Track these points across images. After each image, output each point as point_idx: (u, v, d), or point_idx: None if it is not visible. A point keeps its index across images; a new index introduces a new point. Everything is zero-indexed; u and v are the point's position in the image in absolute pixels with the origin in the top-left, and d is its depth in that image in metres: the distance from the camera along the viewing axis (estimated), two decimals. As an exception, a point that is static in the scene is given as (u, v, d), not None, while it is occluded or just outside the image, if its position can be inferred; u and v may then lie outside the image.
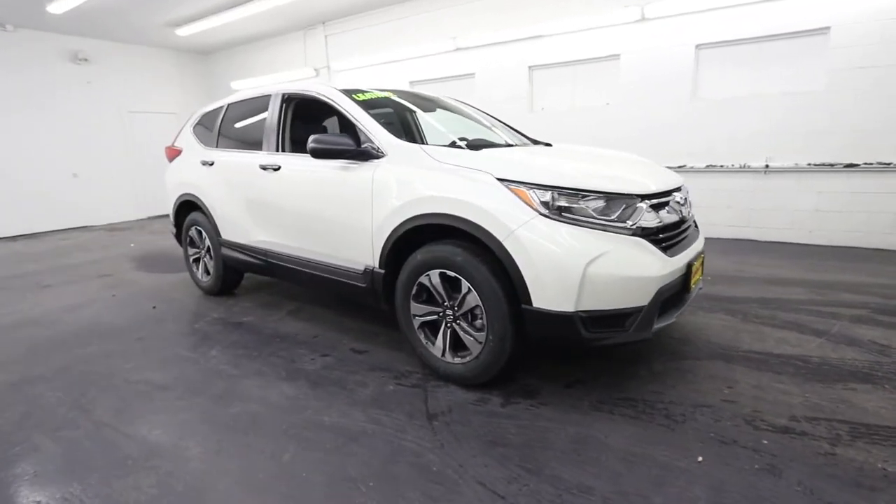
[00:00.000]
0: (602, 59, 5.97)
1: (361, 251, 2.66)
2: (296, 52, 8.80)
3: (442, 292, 2.33)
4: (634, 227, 2.07)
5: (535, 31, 6.20)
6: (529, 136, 3.59)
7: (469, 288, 2.20)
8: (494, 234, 2.07)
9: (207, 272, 4.07)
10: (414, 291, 2.43)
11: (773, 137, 5.11)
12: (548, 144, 3.35)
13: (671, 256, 2.16)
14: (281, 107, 3.27)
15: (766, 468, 1.73)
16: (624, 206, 2.09)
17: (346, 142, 2.58)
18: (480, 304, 2.18)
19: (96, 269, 5.33)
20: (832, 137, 4.84)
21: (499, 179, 2.13)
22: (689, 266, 2.29)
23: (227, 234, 3.69)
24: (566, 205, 2.05)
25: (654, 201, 2.21)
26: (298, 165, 3.04)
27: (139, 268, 5.31)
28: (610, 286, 1.98)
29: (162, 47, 9.54)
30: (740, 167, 5.32)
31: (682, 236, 2.40)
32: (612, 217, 2.06)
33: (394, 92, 3.33)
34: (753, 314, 3.19)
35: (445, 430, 2.03)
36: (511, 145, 3.10)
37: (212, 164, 3.74)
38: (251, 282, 4.43)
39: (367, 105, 2.89)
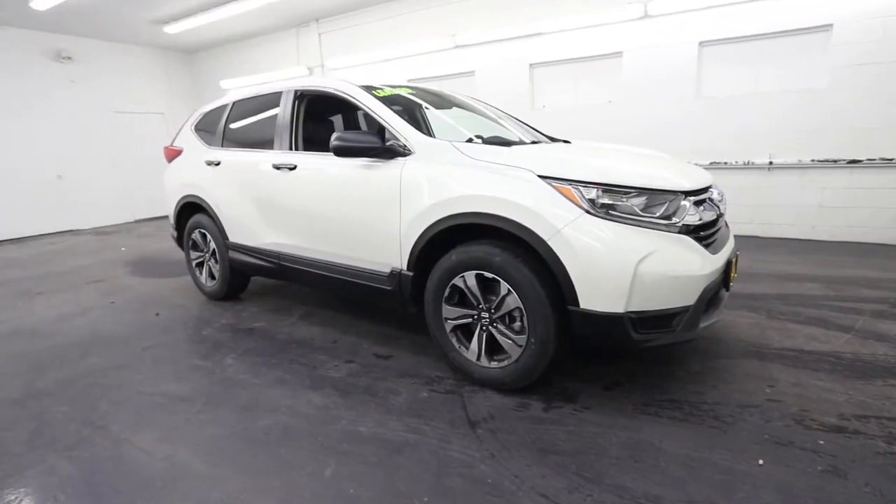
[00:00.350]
0: (604, 56, 5.94)
1: (387, 253, 2.56)
2: (288, 51, 8.61)
3: (477, 294, 2.24)
4: (679, 224, 2.02)
5: (535, 28, 6.15)
6: (545, 133, 3.52)
7: (509, 289, 2.12)
8: (539, 233, 1.99)
9: (212, 276, 3.90)
10: (446, 294, 2.34)
11: (776, 134, 5.14)
12: (566, 142, 3.29)
13: (713, 254, 2.11)
14: (294, 104, 3.14)
15: (830, 470, 1.69)
16: (668, 203, 2.03)
17: (372, 139, 2.47)
18: (521, 305, 2.10)
19: (88, 274, 5.10)
20: (835, 134, 4.89)
21: (540, 177, 2.05)
22: (729, 263, 2.25)
23: (234, 236, 3.54)
24: (611, 202, 1.98)
25: (695, 198, 2.16)
26: (316, 164, 2.92)
27: (134, 273, 5.10)
28: (659, 285, 1.92)
29: (148, 46, 9.25)
30: (744, 164, 5.34)
31: (719, 234, 2.35)
32: (658, 214, 2.00)
33: (405, 88, 3.23)
34: (777, 311, 3.17)
35: (492, 439, 1.94)
36: (535, 142, 3.02)
37: (217, 164, 3.58)
38: (256, 286, 4.27)
39: (388, 101, 2.79)
